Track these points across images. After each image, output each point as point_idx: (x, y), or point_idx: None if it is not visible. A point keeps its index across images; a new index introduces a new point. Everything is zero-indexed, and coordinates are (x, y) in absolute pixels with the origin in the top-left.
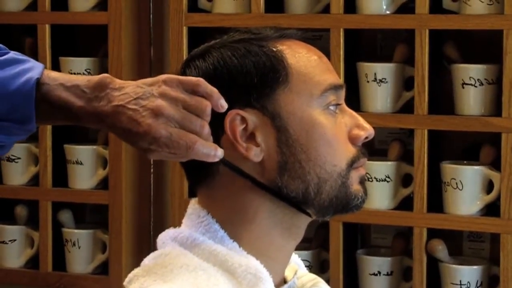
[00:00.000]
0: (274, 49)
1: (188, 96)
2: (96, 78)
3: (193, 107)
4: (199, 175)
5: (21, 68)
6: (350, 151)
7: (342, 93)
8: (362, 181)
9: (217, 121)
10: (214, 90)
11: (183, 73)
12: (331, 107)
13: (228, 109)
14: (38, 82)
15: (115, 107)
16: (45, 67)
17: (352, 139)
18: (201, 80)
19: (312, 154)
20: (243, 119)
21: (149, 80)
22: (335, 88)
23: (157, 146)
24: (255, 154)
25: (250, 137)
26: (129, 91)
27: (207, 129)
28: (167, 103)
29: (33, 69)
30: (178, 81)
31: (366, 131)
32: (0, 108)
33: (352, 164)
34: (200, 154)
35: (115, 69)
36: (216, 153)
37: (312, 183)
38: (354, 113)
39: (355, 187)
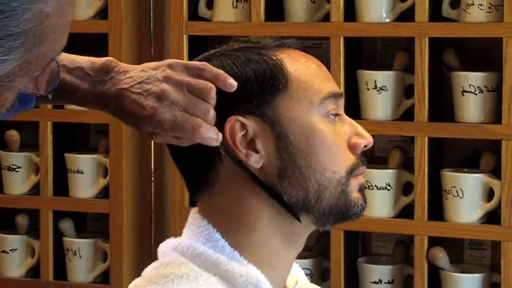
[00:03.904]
0: (274, 57)
1: (193, 79)
2: (100, 60)
3: (198, 91)
4: (198, 183)
5: None
6: (350, 158)
7: (342, 102)
8: (361, 189)
9: (217, 127)
10: (220, 72)
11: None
12: (331, 116)
13: (228, 116)
14: None
15: (120, 91)
16: None
17: (352, 147)
18: (206, 64)
19: (312, 161)
20: (243, 126)
21: (153, 64)
22: (334, 96)
23: (162, 130)
24: (255, 160)
25: (250, 143)
26: (134, 74)
27: (212, 113)
28: (172, 87)
29: None
30: (183, 65)
31: (365, 139)
32: None
33: (351, 172)
34: (205, 138)
35: None
36: (218, 138)
37: (312, 190)
38: (353, 121)
39: (355, 195)
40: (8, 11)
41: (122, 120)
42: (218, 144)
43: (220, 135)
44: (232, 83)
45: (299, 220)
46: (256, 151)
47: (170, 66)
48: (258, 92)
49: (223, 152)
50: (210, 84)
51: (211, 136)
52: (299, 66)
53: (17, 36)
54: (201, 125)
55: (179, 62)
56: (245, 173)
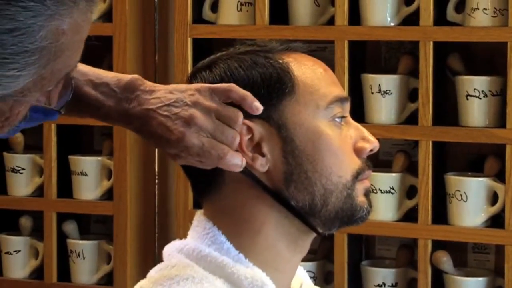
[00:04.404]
0: (281, 61)
1: (220, 105)
2: (126, 78)
3: (225, 118)
4: (205, 186)
5: None
6: (356, 163)
7: (347, 105)
8: (367, 193)
9: None
10: (247, 94)
11: (190, 84)
12: (337, 119)
13: None
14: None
15: (146, 111)
16: None
17: (357, 151)
18: (232, 85)
19: (318, 165)
20: (249, 129)
21: (181, 86)
22: (341, 100)
23: (188, 154)
24: (261, 164)
25: (256, 147)
26: (161, 95)
27: (237, 140)
28: (200, 112)
29: None
30: (210, 89)
31: (371, 143)
32: None
33: (357, 176)
34: (229, 165)
35: None
36: (242, 163)
37: (319, 194)
38: (359, 125)
39: (360, 199)
40: (24, 28)
41: (145, 139)
42: (241, 169)
43: (244, 160)
44: (258, 106)
45: (313, 228)
46: (262, 155)
47: (198, 90)
48: (265, 95)
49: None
50: (237, 112)
51: (235, 163)
52: (305, 70)
53: (32, 52)
54: (227, 152)
55: (206, 86)
56: (251, 178)
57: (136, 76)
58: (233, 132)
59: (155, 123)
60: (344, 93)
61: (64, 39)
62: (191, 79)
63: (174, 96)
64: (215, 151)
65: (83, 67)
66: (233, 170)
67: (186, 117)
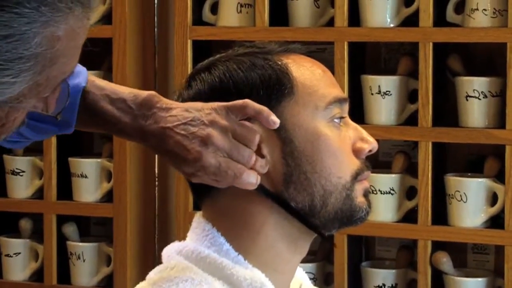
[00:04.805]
0: (279, 62)
1: (237, 124)
2: (143, 94)
3: (242, 137)
4: (204, 188)
5: None
6: (355, 163)
7: (346, 106)
8: (366, 194)
9: None
10: (263, 108)
11: (189, 85)
12: (336, 120)
13: None
14: (83, 89)
15: (162, 129)
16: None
17: (356, 152)
18: (247, 101)
19: (318, 166)
20: None
21: (197, 104)
22: (339, 101)
23: (204, 174)
24: (261, 165)
25: (256, 148)
26: (177, 114)
27: (253, 159)
28: (217, 132)
29: (79, 74)
30: (227, 107)
31: (370, 144)
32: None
33: (356, 177)
34: (245, 184)
35: (120, 82)
36: (257, 181)
37: (318, 195)
38: (358, 126)
39: (360, 199)
40: (19, 35)
41: (161, 157)
42: (255, 187)
43: (259, 178)
44: (275, 120)
45: (312, 227)
46: (262, 156)
47: (215, 109)
48: (264, 97)
49: None
50: (254, 131)
51: (250, 181)
52: (304, 71)
53: (27, 59)
54: (243, 172)
55: (222, 105)
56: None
57: (152, 92)
58: (249, 151)
59: (172, 142)
60: (343, 94)
61: (59, 45)
62: (190, 81)
63: (191, 114)
64: (231, 171)
65: (99, 81)
66: (248, 189)
67: (203, 136)
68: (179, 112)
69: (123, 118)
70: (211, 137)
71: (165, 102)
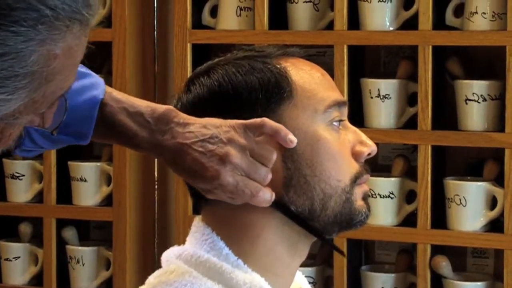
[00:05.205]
0: (278, 66)
1: (255, 143)
2: (161, 109)
3: (259, 156)
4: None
5: (85, 83)
6: (354, 167)
7: (345, 109)
8: (365, 197)
9: None
10: (280, 127)
11: (188, 89)
12: (335, 123)
13: None
14: (101, 102)
15: (180, 145)
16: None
17: (355, 155)
18: (265, 119)
19: (317, 169)
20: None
21: (216, 121)
22: (338, 104)
23: (221, 191)
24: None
25: None
26: (195, 130)
27: (269, 178)
28: (235, 150)
29: (97, 86)
30: (245, 125)
31: (369, 147)
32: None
33: (355, 180)
34: (261, 201)
35: (119, 86)
36: (272, 198)
37: (318, 199)
38: (357, 129)
39: (359, 203)
40: (15, 53)
41: (176, 172)
42: (270, 204)
43: (273, 195)
44: (293, 139)
45: (313, 231)
46: None
47: (233, 127)
48: (263, 100)
49: None
50: (271, 150)
51: (266, 199)
52: (303, 74)
53: (23, 76)
54: (259, 190)
55: (240, 123)
56: None
57: (170, 107)
58: (266, 170)
59: (189, 159)
60: (342, 97)
61: (56, 63)
62: (189, 85)
63: (209, 131)
64: (248, 190)
65: (116, 94)
66: (263, 206)
67: (221, 154)
68: (197, 129)
69: (140, 132)
70: (230, 156)
71: (183, 117)
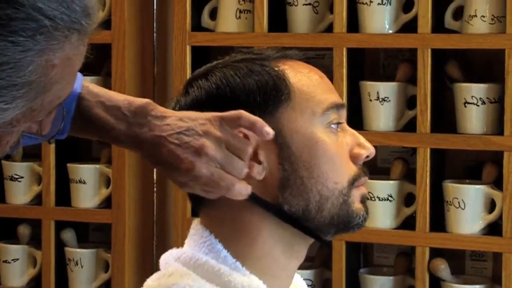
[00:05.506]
0: (276, 69)
1: (231, 136)
2: (138, 102)
3: (235, 148)
4: (201, 196)
5: None
6: (352, 169)
7: (344, 112)
8: (363, 200)
9: None
10: (257, 119)
11: (186, 92)
12: (333, 126)
13: None
14: (78, 96)
15: (156, 137)
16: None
17: (353, 158)
18: (241, 112)
19: (315, 171)
20: (246, 137)
21: (192, 114)
22: (336, 107)
23: (196, 184)
24: (258, 171)
25: (253, 154)
26: (171, 122)
27: (245, 171)
28: (211, 142)
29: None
30: (221, 118)
31: (367, 149)
32: None
33: (353, 183)
34: (236, 195)
35: (119, 87)
36: (247, 191)
37: (314, 201)
38: (355, 132)
39: (357, 205)
40: (13, 63)
41: (153, 165)
42: (246, 198)
43: (249, 188)
44: (269, 131)
45: (307, 231)
46: (259, 162)
47: (209, 119)
48: (261, 103)
49: None
50: (247, 143)
51: (241, 192)
52: (301, 77)
53: (21, 86)
54: (235, 183)
55: (217, 116)
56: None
57: (148, 100)
58: (242, 163)
59: (165, 151)
60: (340, 99)
61: (54, 73)
62: (187, 88)
63: (185, 124)
64: (223, 182)
65: (93, 87)
66: (238, 199)
67: (197, 146)
68: (174, 121)
69: (117, 125)
70: (205, 148)
71: (160, 110)
